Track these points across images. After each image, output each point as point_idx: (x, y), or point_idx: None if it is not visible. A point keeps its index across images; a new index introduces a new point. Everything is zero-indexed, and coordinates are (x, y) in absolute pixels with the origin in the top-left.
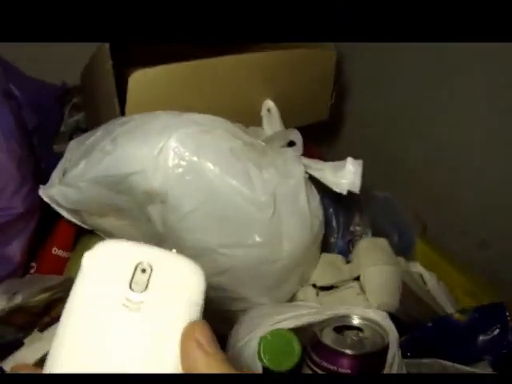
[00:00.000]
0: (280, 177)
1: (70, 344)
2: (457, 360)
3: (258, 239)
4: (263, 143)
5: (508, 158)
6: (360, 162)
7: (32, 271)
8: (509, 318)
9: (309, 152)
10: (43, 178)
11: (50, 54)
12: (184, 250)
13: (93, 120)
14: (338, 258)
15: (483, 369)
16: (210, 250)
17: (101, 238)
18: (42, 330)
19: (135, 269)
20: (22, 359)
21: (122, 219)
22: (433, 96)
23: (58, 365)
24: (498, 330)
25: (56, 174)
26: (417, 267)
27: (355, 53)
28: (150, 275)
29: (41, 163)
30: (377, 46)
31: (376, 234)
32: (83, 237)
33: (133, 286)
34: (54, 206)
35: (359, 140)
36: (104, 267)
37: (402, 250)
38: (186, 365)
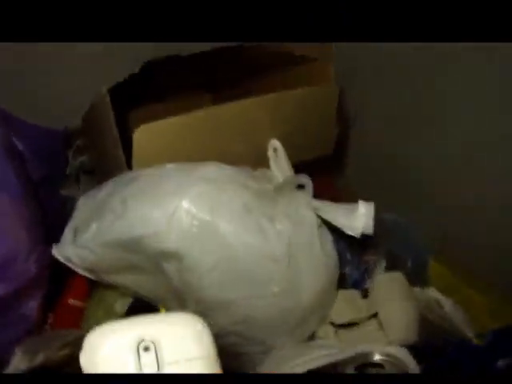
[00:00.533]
0: (293, 226)
1: None
2: None
3: (275, 289)
4: (273, 190)
5: None
6: (371, 204)
7: (49, 321)
8: None
9: (320, 183)
10: (52, 231)
11: (50, 98)
12: (202, 303)
13: (98, 163)
14: (354, 294)
15: None
16: (228, 303)
17: (115, 287)
18: None
19: (138, 351)
20: None
21: (139, 274)
22: (439, 109)
23: None
24: None
25: (68, 233)
26: (433, 293)
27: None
28: (155, 352)
29: (48, 214)
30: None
31: (390, 259)
32: (98, 285)
33: (144, 370)
34: (69, 264)
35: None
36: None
37: (417, 272)
38: None
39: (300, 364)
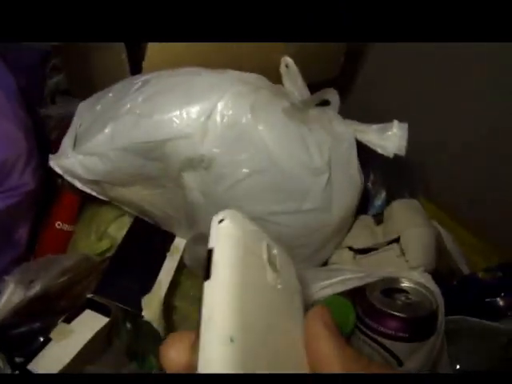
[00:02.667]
0: (331, 139)
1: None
2: (483, 317)
3: (309, 206)
4: (300, 102)
5: None
6: (405, 125)
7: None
8: None
9: None
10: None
11: None
12: None
13: (78, 80)
14: (368, 219)
15: (509, 324)
16: (256, 219)
17: (112, 210)
18: (68, 321)
19: (267, 248)
20: (54, 358)
21: (149, 188)
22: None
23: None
24: None
25: (67, 142)
26: (435, 226)
27: None
28: (276, 256)
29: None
30: None
31: (389, 193)
32: (88, 208)
33: (270, 266)
34: (67, 177)
35: (365, 101)
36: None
37: None
38: (314, 346)
39: (327, 286)
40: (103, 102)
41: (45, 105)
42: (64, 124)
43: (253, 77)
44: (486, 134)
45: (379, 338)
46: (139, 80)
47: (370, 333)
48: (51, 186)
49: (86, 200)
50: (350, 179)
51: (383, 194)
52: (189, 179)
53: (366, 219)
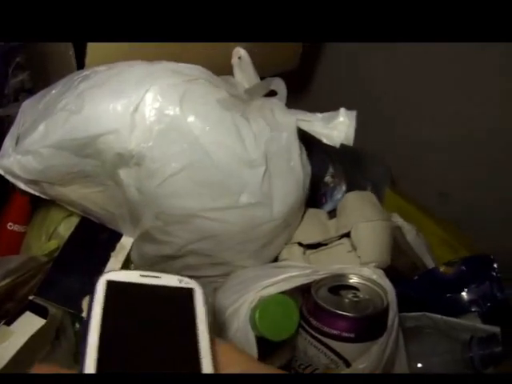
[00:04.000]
0: (271, 130)
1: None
2: (444, 313)
3: (246, 200)
4: (244, 92)
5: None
6: (354, 113)
7: None
8: (497, 271)
9: None
10: None
11: None
12: (162, 217)
13: (41, 79)
14: (321, 213)
15: (472, 320)
16: (191, 216)
17: (61, 209)
18: (8, 323)
19: None
20: None
21: (89, 187)
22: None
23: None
24: (487, 282)
25: (9, 142)
26: (396, 219)
27: None
28: None
29: None
30: None
31: (349, 185)
32: (40, 208)
33: None
34: (9, 177)
35: (328, 90)
36: None
37: None
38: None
39: (271, 284)
40: (45, 99)
41: (5, 104)
42: None
43: (189, 67)
44: (459, 124)
45: (324, 339)
46: (80, 76)
47: (314, 333)
48: (2, 186)
49: (38, 200)
50: (290, 172)
51: (343, 187)
52: (124, 176)
53: (318, 213)
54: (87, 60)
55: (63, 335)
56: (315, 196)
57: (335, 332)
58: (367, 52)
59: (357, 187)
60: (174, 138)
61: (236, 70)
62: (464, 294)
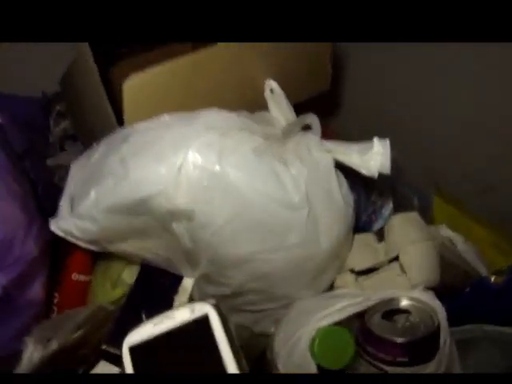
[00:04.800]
0: (308, 170)
1: None
2: (499, 323)
3: (295, 240)
4: (281, 133)
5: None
6: (387, 141)
7: (55, 301)
8: None
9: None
10: (45, 205)
11: (23, 65)
12: (216, 262)
13: (82, 127)
14: (370, 238)
15: None
16: (244, 259)
17: (121, 257)
18: (87, 371)
19: None
20: None
21: (145, 239)
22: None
23: None
24: None
25: (64, 204)
26: (445, 231)
27: None
28: None
29: (38, 186)
30: None
31: (396, 200)
32: (102, 257)
33: None
34: (69, 238)
35: (360, 106)
36: None
37: (423, 210)
38: None
39: (327, 315)
40: (91, 161)
41: (53, 153)
42: None
43: (223, 119)
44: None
45: (379, 364)
46: (120, 136)
47: (370, 359)
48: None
49: None
50: (332, 206)
51: (390, 204)
52: (176, 228)
53: (367, 237)
54: (125, 115)
55: None
56: (365, 217)
57: (390, 358)
58: (393, 64)
59: (404, 201)
60: (218, 192)
61: (270, 104)
62: None
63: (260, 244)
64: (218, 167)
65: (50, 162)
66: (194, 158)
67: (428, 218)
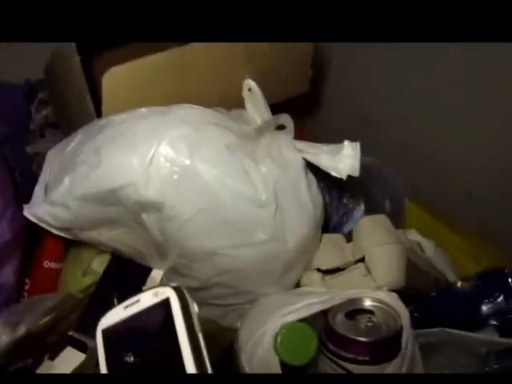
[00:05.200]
0: (278, 168)
1: None
2: (462, 328)
3: (262, 237)
4: (254, 131)
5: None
6: (357, 144)
7: (26, 287)
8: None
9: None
10: (21, 191)
11: (8, 52)
12: (184, 255)
13: (63, 115)
14: (338, 238)
15: (489, 334)
16: (211, 254)
17: (92, 246)
18: (51, 358)
19: None
20: None
21: (115, 229)
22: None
23: None
24: (502, 297)
25: (39, 190)
26: (414, 235)
27: None
28: None
29: (15, 173)
30: None
31: (368, 203)
32: (73, 245)
33: None
34: (42, 225)
35: (339, 107)
36: None
37: (394, 214)
38: None
39: (292, 312)
40: (67, 149)
41: (33, 140)
42: None
43: (198, 113)
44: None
45: (341, 362)
46: (97, 125)
47: (332, 357)
48: (36, 225)
49: None
50: (300, 206)
51: (362, 206)
52: (146, 219)
53: (335, 238)
54: (104, 107)
55: None
56: (337, 217)
57: (351, 356)
58: (379, 63)
59: (376, 204)
60: (188, 186)
61: (247, 103)
62: (481, 308)
63: (227, 239)
64: (188, 161)
65: (29, 149)
66: (165, 150)
67: (400, 221)
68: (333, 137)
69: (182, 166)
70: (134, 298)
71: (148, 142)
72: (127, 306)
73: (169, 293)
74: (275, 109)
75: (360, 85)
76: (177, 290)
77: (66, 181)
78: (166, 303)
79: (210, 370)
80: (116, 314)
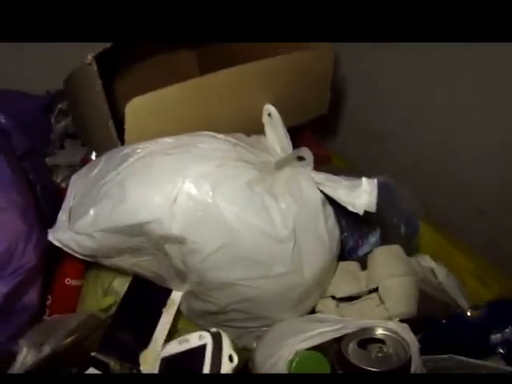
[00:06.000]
0: (297, 204)
1: None
2: (470, 355)
3: (280, 270)
4: (274, 165)
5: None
6: (375, 181)
7: (48, 303)
8: None
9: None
10: (43, 206)
11: (25, 62)
12: (203, 284)
13: (82, 131)
14: (353, 266)
15: (495, 362)
16: (229, 284)
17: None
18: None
19: None
20: None
21: (138, 257)
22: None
23: None
24: (510, 327)
25: (63, 215)
26: (427, 261)
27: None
28: None
29: (36, 187)
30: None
31: (382, 225)
32: (93, 263)
33: None
34: (66, 249)
35: (354, 127)
36: None
37: (409, 236)
38: None
39: (306, 339)
40: (90, 176)
41: (53, 151)
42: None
43: (218, 147)
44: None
45: None
46: (120, 154)
47: None
48: None
49: None
50: (318, 240)
51: (377, 230)
52: (169, 249)
53: (350, 266)
54: (126, 135)
55: None
56: (352, 241)
57: None
58: (393, 83)
59: (391, 227)
60: (210, 223)
61: (267, 129)
62: (489, 337)
63: (246, 272)
64: (211, 199)
65: (49, 160)
66: (188, 188)
67: (415, 244)
68: (345, 153)
69: (204, 203)
70: (185, 337)
71: (172, 179)
72: (181, 342)
73: (207, 339)
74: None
75: (375, 105)
76: (214, 335)
77: (91, 212)
78: (204, 347)
79: None
80: (173, 347)
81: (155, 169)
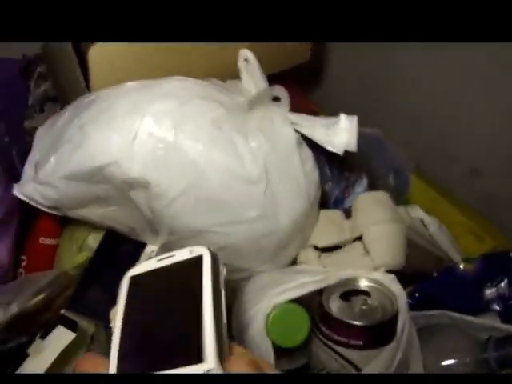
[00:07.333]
0: (269, 143)
1: None
2: (464, 311)
3: (252, 214)
4: (246, 103)
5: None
6: (355, 118)
7: (23, 264)
8: None
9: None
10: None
11: None
12: (175, 232)
13: (60, 90)
14: (336, 215)
15: (491, 319)
16: (200, 232)
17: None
18: (42, 337)
19: None
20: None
21: (106, 206)
22: None
23: None
24: (505, 281)
25: (28, 168)
26: (417, 212)
27: None
28: None
29: (12, 149)
30: None
31: (370, 176)
32: (69, 221)
33: None
34: (32, 203)
35: (340, 76)
36: None
37: (398, 189)
38: None
39: (284, 291)
40: (55, 126)
41: (31, 115)
42: None
43: (183, 86)
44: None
45: (333, 345)
46: (84, 102)
47: (324, 339)
48: None
49: None
50: (293, 182)
51: (364, 180)
52: (134, 196)
53: (333, 214)
54: (92, 82)
55: (97, 342)
56: (338, 191)
57: (343, 339)
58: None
59: (379, 178)
60: (173, 163)
61: (243, 74)
62: (483, 292)
63: (215, 217)
64: (173, 137)
65: (27, 124)
66: (148, 125)
67: (405, 196)
68: (334, 108)
69: (165, 141)
70: (170, 253)
71: (129, 117)
72: (161, 259)
73: (203, 251)
74: (275, 79)
75: (361, 54)
76: (211, 250)
77: (52, 160)
78: (198, 260)
79: (225, 329)
80: (148, 265)
81: (114, 109)
